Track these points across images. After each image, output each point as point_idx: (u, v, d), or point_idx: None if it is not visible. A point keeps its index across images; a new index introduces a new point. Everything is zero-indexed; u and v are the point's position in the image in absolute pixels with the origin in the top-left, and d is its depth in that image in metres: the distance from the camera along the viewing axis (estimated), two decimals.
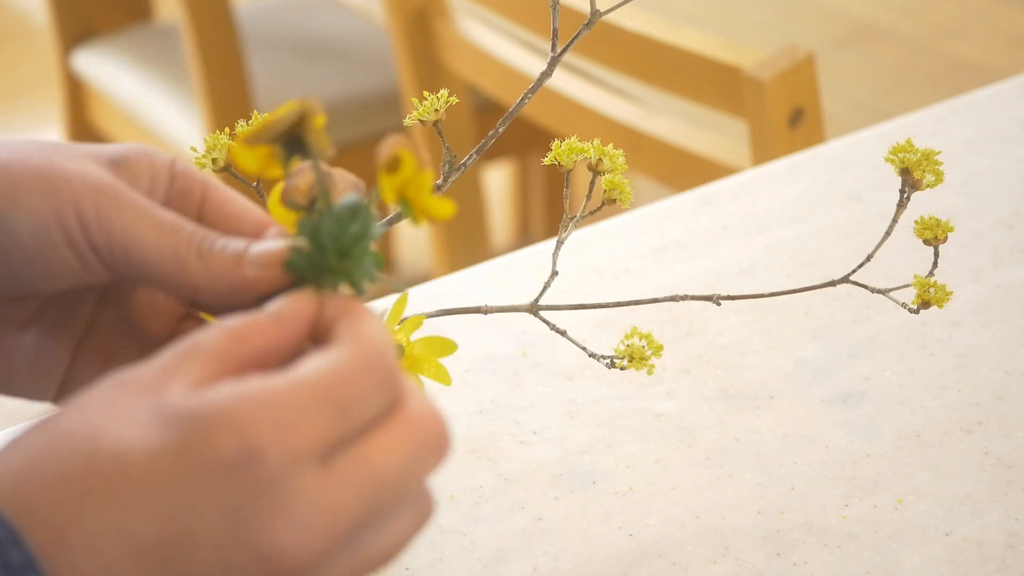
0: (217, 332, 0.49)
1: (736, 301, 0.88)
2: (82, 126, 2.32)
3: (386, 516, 0.49)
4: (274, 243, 0.54)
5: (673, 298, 0.79)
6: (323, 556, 0.47)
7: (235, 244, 0.54)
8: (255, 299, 0.53)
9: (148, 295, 0.59)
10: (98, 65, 2.23)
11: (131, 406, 0.47)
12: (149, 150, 0.57)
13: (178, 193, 0.58)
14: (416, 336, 0.71)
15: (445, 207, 0.52)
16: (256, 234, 0.56)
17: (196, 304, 0.58)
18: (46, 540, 0.46)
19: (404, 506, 0.50)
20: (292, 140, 0.52)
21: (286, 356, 0.49)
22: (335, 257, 0.51)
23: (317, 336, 0.50)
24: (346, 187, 0.55)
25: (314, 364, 0.48)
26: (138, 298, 0.59)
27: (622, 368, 0.74)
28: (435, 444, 0.49)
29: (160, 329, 0.58)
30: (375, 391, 0.48)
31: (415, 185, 0.52)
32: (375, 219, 0.51)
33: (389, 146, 0.52)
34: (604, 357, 0.76)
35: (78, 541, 0.46)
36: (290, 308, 0.50)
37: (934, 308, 0.78)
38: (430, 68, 1.70)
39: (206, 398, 0.46)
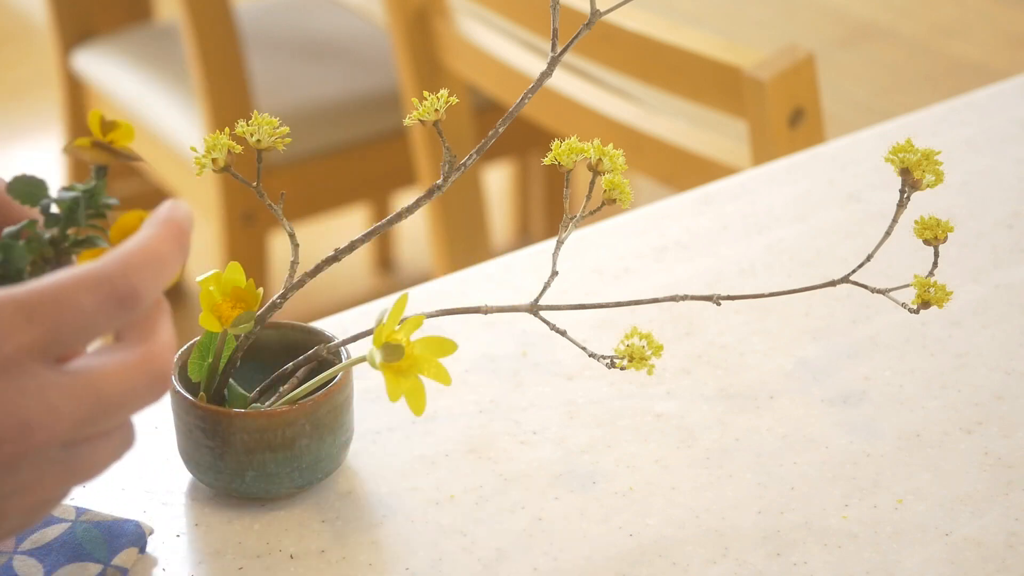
0: None
1: (736, 301, 0.88)
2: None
3: (99, 434, 0.55)
4: None
5: (673, 298, 0.79)
6: (40, 450, 0.53)
7: None
8: None
9: None
10: (98, 65, 2.23)
11: None
12: None
13: None
14: (416, 336, 0.71)
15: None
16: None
17: None
18: None
19: (115, 431, 0.56)
20: None
21: None
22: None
23: None
24: None
25: (39, 280, 0.54)
26: None
27: (622, 368, 0.74)
28: (160, 384, 0.55)
29: None
30: (96, 312, 0.53)
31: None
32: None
33: None
34: (604, 357, 0.76)
35: None
36: None
37: (934, 308, 0.79)
38: (430, 68, 1.70)
39: None
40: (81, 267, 0.54)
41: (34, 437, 0.53)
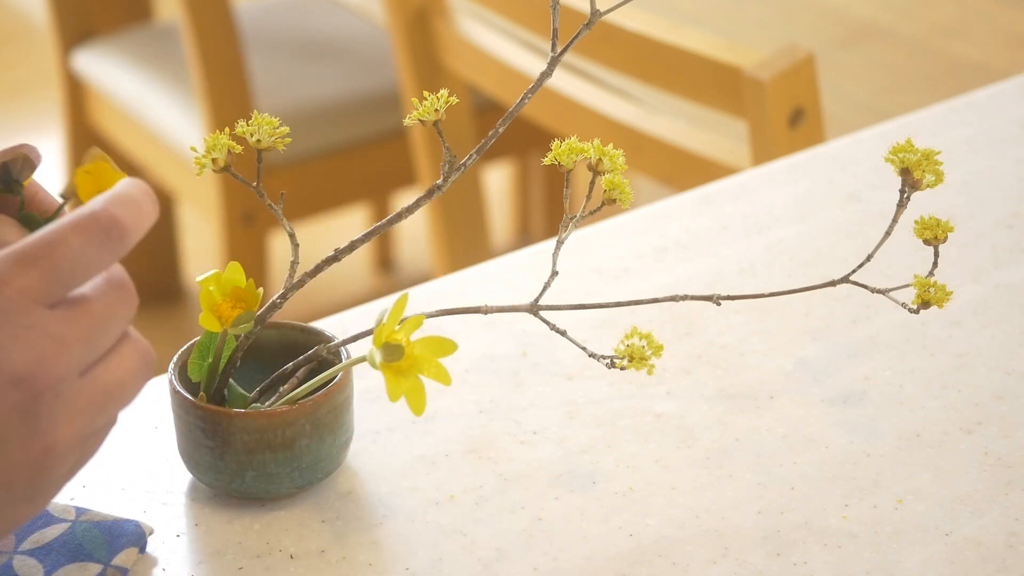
0: None
1: (736, 301, 0.88)
2: (82, 126, 2.32)
3: (108, 353, 0.60)
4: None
5: (673, 298, 0.79)
6: (62, 377, 0.58)
7: None
8: None
9: None
10: (98, 65, 2.23)
11: None
12: None
13: None
14: (416, 336, 0.71)
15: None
16: None
17: None
18: None
19: (121, 344, 0.61)
20: (4, 179, 0.68)
21: None
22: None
23: None
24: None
25: (30, 235, 0.59)
26: None
27: (622, 368, 0.74)
28: (130, 295, 0.61)
29: None
30: (84, 243, 0.59)
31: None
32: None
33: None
34: (604, 357, 0.76)
35: None
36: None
37: (934, 308, 0.78)
38: (430, 68, 1.70)
39: None
40: (69, 214, 0.59)
41: (51, 368, 0.57)
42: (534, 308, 0.78)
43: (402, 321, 0.71)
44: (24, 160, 0.69)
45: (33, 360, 0.57)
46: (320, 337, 0.78)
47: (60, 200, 0.70)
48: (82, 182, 0.70)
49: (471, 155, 0.76)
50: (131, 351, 0.61)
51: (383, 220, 0.76)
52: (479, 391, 0.84)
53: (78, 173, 0.70)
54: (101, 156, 0.70)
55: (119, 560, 0.72)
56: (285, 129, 0.75)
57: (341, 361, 0.77)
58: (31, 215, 0.69)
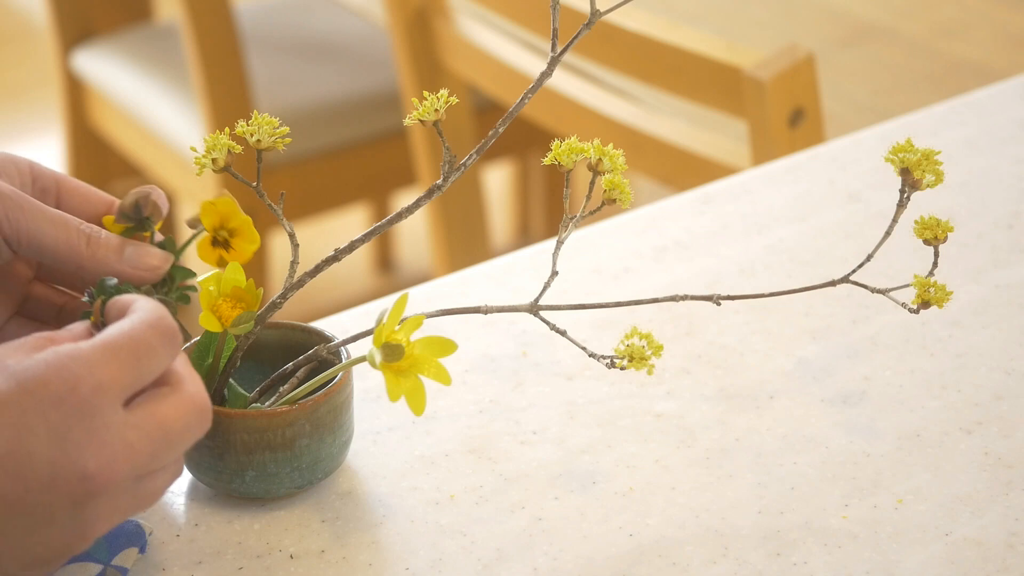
0: (39, 334, 0.65)
1: (736, 301, 0.88)
2: (82, 126, 2.32)
3: (160, 466, 0.64)
4: (144, 250, 0.73)
5: (673, 298, 0.79)
6: (121, 482, 0.62)
7: (115, 239, 0.73)
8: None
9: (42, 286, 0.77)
10: (98, 65, 2.23)
11: None
12: (10, 155, 0.74)
13: (39, 191, 0.74)
14: (416, 336, 0.71)
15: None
16: (106, 209, 0.75)
17: (83, 276, 0.74)
18: None
19: (170, 463, 0.65)
20: (135, 217, 0.74)
21: None
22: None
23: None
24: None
25: (112, 328, 0.64)
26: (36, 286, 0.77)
27: (622, 368, 0.74)
28: (207, 419, 0.65)
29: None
30: (160, 343, 0.64)
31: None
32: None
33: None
34: (604, 357, 0.76)
35: None
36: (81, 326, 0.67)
37: (934, 308, 0.79)
38: (430, 68, 1.70)
39: (34, 358, 0.62)
40: (135, 315, 0.64)
41: (116, 472, 0.61)
42: (534, 308, 0.78)
43: (402, 321, 0.71)
44: (154, 206, 0.73)
45: (104, 461, 0.61)
46: (320, 337, 0.78)
47: (191, 229, 0.75)
48: (206, 213, 0.73)
49: (471, 155, 0.76)
50: (174, 471, 0.65)
51: (383, 220, 0.76)
52: (479, 391, 0.84)
53: (203, 205, 0.73)
54: (229, 195, 0.74)
55: (119, 560, 0.72)
56: (285, 129, 0.75)
57: (341, 361, 0.77)
58: (169, 239, 0.74)
